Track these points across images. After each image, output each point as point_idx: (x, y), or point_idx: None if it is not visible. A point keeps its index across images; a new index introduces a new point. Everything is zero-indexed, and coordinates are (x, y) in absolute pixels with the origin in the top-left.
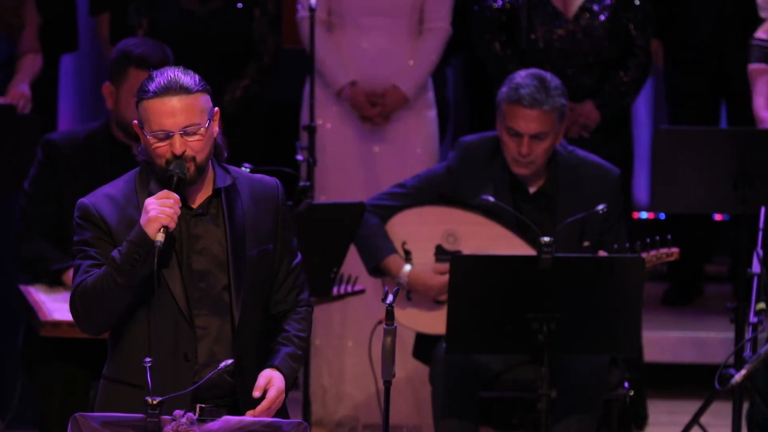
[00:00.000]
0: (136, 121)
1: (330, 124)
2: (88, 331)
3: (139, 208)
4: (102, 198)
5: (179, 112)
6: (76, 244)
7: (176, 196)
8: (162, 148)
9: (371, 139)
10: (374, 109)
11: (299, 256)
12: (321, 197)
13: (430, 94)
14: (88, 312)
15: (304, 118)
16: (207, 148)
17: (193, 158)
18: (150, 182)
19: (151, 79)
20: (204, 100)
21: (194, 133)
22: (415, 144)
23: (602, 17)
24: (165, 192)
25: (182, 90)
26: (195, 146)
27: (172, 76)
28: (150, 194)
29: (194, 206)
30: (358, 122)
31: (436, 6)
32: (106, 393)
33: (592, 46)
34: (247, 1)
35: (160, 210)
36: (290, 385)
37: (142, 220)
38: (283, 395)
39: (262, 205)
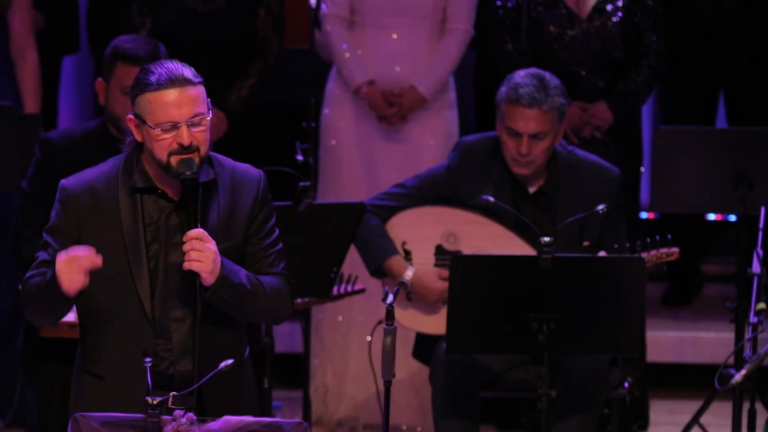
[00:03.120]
0: (131, 116)
1: (347, 121)
2: (34, 324)
3: (117, 198)
4: (84, 187)
5: (185, 103)
6: (49, 223)
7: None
8: (167, 140)
9: (387, 138)
10: (391, 109)
11: (280, 245)
12: (335, 197)
13: (452, 95)
14: (31, 311)
15: (325, 114)
16: (208, 139)
17: (197, 150)
18: (134, 173)
19: (148, 72)
20: (203, 91)
21: (199, 124)
22: (432, 144)
23: (615, 18)
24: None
25: (186, 81)
26: (199, 137)
27: (173, 67)
28: (133, 186)
29: (175, 198)
30: (376, 121)
31: (458, 7)
32: (76, 380)
33: (605, 46)
34: (250, 0)
35: (69, 280)
36: (223, 283)
37: (59, 275)
38: (211, 255)
39: (240, 198)
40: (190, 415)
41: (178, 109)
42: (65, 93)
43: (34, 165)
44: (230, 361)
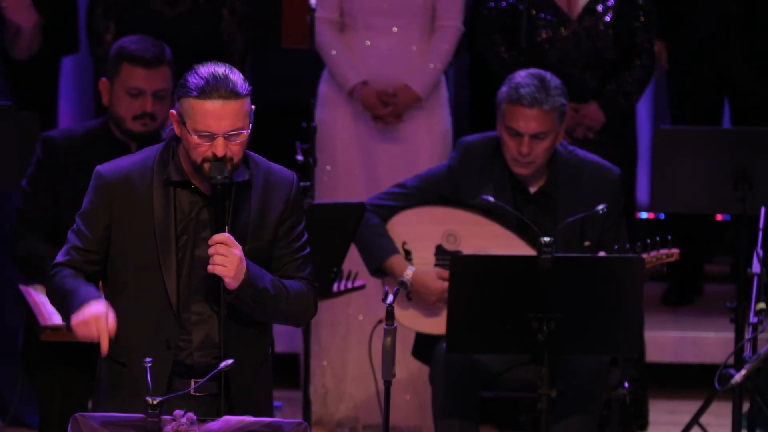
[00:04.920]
0: (173, 111)
1: (342, 122)
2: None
3: (151, 188)
4: (119, 175)
5: (226, 117)
6: (81, 209)
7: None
8: (203, 147)
9: (382, 138)
10: (386, 109)
11: (307, 249)
12: (331, 198)
13: (443, 93)
14: (51, 302)
15: (318, 117)
16: (243, 151)
17: (231, 159)
18: (169, 165)
19: (196, 75)
20: (248, 104)
21: (237, 137)
22: (427, 143)
23: (606, 18)
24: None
25: (231, 94)
26: (234, 149)
27: (221, 77)
28: (167, 179)
29: (208, 194)
30: (370, 122)
31: (447, 5)
32: (99, 367)
33: (596, 46)
34: (215, 2)
35: (86, 334)
36: (246, 287)
37: (75, 319)
38: (235, 261)
39: (272, 200)
40: (190, 415)
41: (217, 121)
42: (65, 93)
43: (34, 164)
44: (230, 361)
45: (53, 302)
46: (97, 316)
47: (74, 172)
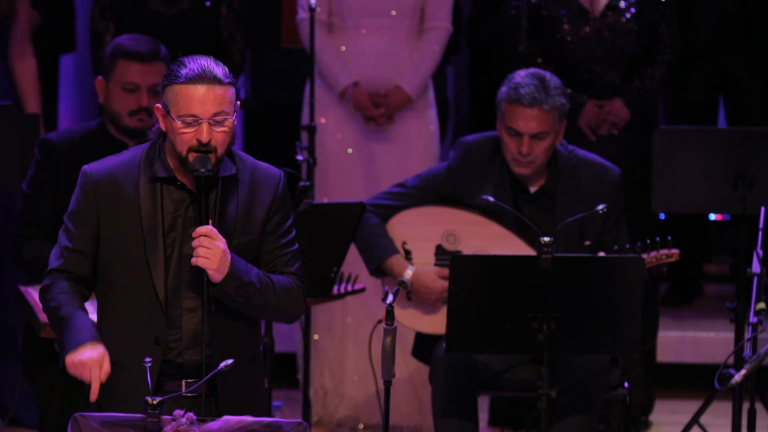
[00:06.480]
0: (159, 105)
1: (332, 123)
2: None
3: (137, 186)
4: (106, 173)
5: (210, 101)
6: (69, 209)
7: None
8: (188, 134)
9: (373, 139)
10: (378, 110)
11: (296, 245)
12: (323, 198)
13: (430, 94)
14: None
15: (305, 118)
16: (228, 141)
17: (215, 149)
18: (155, 162)
19: (182, 64)
20: (232, 92)
21: (222, 123)
22: (417, 143)
23: (628, 14)
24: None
25: (215, 80)
26: (219, 138)
27: (205, 64)
28: (153, 176)
29: (194, 190)
30: (360, 122)
31: (436, 6)
32: None
33: (619, 42)
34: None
35: (79, 375)
36: (230, 280)
37: (71, 359)
38: (218, 253)
39: (259, 196)
40: (190, 414)
41: (201, 105)
42: (65, 93)
43: (34, 166)
44: (230, 361)
45: (48, 317)
46: (92, 363)
47: (74, 174)
